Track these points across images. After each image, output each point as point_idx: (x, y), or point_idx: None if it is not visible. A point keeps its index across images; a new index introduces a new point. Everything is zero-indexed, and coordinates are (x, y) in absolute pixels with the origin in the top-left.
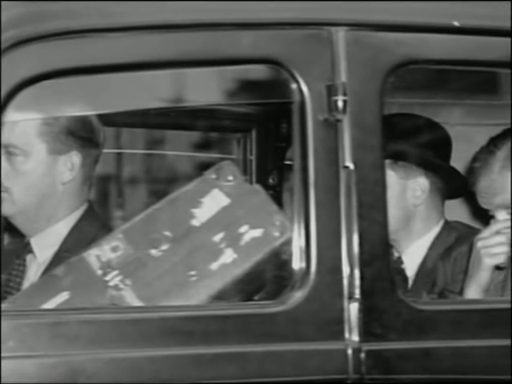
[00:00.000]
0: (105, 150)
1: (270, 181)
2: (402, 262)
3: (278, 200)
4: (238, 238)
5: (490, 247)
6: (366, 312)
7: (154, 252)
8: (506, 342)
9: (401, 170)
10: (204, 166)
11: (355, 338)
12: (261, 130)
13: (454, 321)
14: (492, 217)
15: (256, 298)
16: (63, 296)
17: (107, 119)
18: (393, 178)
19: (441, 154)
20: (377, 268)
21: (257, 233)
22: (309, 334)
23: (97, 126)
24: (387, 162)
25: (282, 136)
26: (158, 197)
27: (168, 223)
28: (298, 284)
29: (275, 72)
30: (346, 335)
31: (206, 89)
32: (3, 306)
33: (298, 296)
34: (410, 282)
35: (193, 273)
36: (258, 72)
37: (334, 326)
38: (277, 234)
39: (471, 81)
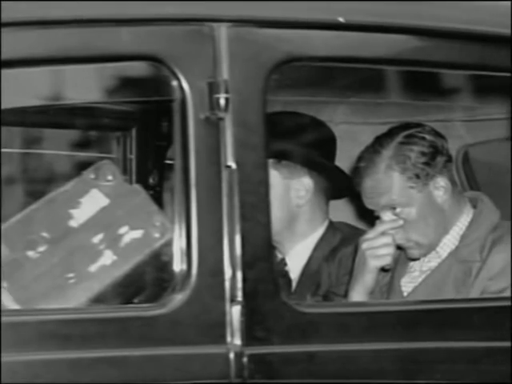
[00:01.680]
0: None
1: (151, 181)
2: (285, 264)
3: (158, 200)
4: (118, 239)
5: (375, 248)
6: (249, 315)
7: (31, 254)
8: (392, 346)
9: (284, 169)
10: (83, 166)
11: (237, 341)
12: (141, 129)
13: (339, 324)
14: (377, 217)
15: (136, 300)
16: None
17: None
18: (276, 177)
19: (325, 153)
20: (259, 270)
21: (137, 234)
22: (190, 337)
23: None
24: (270, 161)
25: (162, 135)
26: (36, 197)
27: (46, 224)
28: (179, 286)
29: (155, 69)
30: (228, 339)
31: (84, 86)
32: None
33: (178, 299)
34: (294, 285)
35: (71, 275)
36: (138, 69)
37: (216, 330)
38: (157, 235)
39: (356, 78)
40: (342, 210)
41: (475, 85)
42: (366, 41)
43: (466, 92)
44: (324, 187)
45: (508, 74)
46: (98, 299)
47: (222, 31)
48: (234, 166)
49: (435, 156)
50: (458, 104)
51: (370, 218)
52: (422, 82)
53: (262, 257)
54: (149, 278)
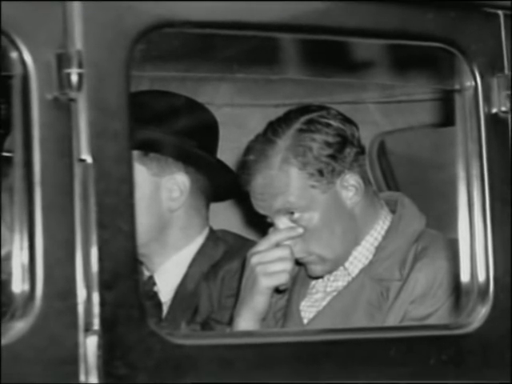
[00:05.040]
0: None
1: None
2: (154, 284)
3: None
4: None
5: (268, 264)
6: (108, 348)
7: None
8: None
9: (153, 164)
10: None
11: (93, 380)
12: None
13: (222, 359)
14: (270, 224)
15: None
16: None
17: None
18: (143, 174)
19: (205, 143)
20: (121, 291)
21: None
22: (33, 375)
23: None
24: (135, 153)
25: None
26: None
27: None
28: (20, 312)
29: None
30: (82, 378)
31: None
32: None
33: (18, 327)
34: (165, 310)
35: None
36: None
37: (66, 366)
38: None
39: (243, 49)
40: (225, 216)
41: (393, 57)
42: (255, 1)
43: (382, 66)
44: (203, 186)
45: (435, 44)
46: None
47: None
48: (89, 159)
49: (343, 147)
50: (371, 81)
51: (261, 225)
52: (327, 54)
53: (124, 274)
54: None
